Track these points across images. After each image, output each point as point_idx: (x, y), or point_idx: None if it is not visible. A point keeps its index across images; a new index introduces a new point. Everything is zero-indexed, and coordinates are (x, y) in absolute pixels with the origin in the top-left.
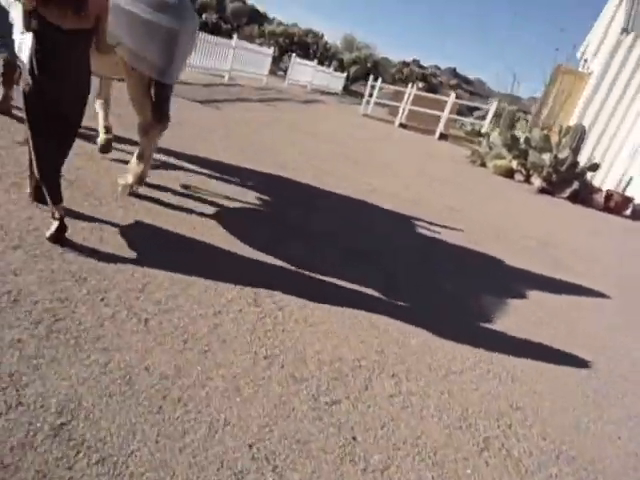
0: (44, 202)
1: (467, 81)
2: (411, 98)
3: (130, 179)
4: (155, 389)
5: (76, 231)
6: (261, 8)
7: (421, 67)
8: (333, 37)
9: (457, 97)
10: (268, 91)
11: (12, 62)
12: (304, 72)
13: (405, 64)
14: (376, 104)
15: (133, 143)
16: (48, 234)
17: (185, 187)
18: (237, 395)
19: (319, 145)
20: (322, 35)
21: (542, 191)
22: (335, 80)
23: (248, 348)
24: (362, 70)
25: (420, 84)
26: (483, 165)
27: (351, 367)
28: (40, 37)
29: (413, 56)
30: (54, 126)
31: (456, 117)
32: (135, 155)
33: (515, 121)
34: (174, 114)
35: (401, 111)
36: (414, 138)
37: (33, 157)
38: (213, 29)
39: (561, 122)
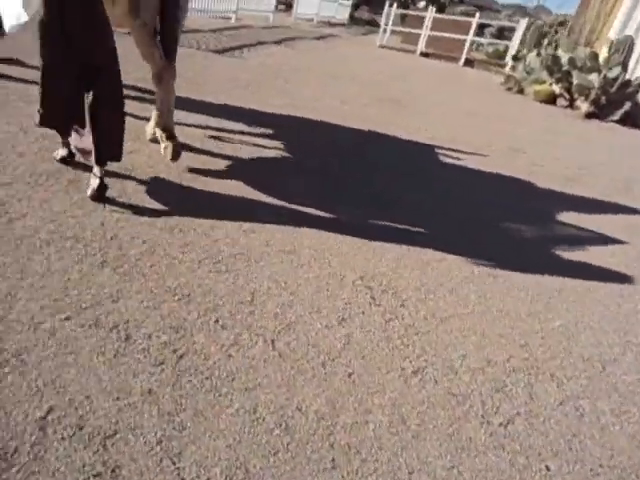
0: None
1: None
2: (429, 23)
3: (163, 145)
4: (317, 435)
5: (158, 235)
6: None
7: None
8: None
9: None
10: (277, 29)
11: None
12: (310, 4)
13: None
14: (392, 32)
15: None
16: (89, 193)
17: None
18: (406, 429)
19: (351, 88)
20: None
21: (589, 116)
22: (341, 9)
23: (391, 363)
24: None
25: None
26: (521, 92)
27: (505, 372)
28: None
29: None
30: (69, 70)
31: (477, 39)
32: (155, 108)
33: (543, 38)
34: (193, 69)
35: (422, 38)
36: (439, 68)
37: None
38: None
39: (604, 36)
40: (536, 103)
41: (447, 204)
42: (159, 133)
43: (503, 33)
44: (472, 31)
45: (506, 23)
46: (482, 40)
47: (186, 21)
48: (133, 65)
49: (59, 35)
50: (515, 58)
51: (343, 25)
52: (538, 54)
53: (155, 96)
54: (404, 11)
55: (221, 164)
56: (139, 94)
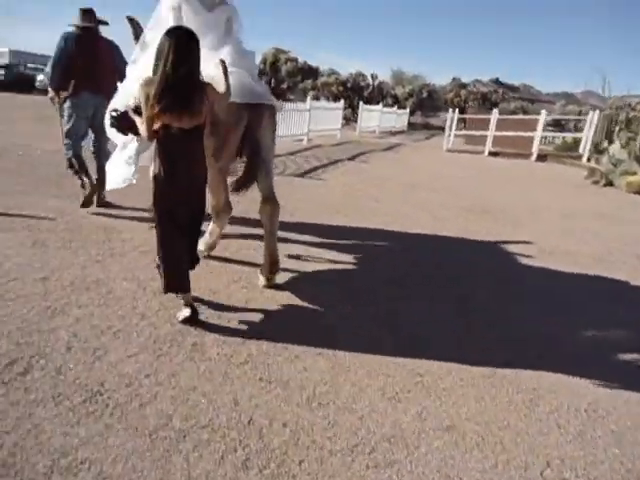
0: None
1: (513, 88)
2: (494, 124)
3: (201, 246)
4: None
5: (297, 413)
6: (314, 63)
7: (463, 85)
8: (382, 74)
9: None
10: (347, 145)
11: (79, 156)
12: (371, 117)
13: (462, 86)
14: (455, 135)
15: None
16: (181, 318)
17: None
18: None
19: (435, 197)
20: (376, 76)
21: None
22: (400, 118)
23: None
24: (418, 101)
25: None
26: (609, 184)
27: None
28: (163, 141)
29: (452, 74)
30: (180, 215)
31: (548, 134)
32: (208, 229)
33: (614, 127)
34: (281, 195)
35: (488, 139)
36: (513, 166)
37: (159, 248)
38: (274, 93)
39: None
40: (630, 195)
41: (599, 340)
42: (264, 269)
43: (560, 123)
44: (540, 127)
45: (573, 117)
46: (548, 134)
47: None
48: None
49: (171, 187)
50: (598, 150)
51: (403, 132)
52: (624, 145)
53: (210, 226)
54: (465, 115)
55: (334, 293)
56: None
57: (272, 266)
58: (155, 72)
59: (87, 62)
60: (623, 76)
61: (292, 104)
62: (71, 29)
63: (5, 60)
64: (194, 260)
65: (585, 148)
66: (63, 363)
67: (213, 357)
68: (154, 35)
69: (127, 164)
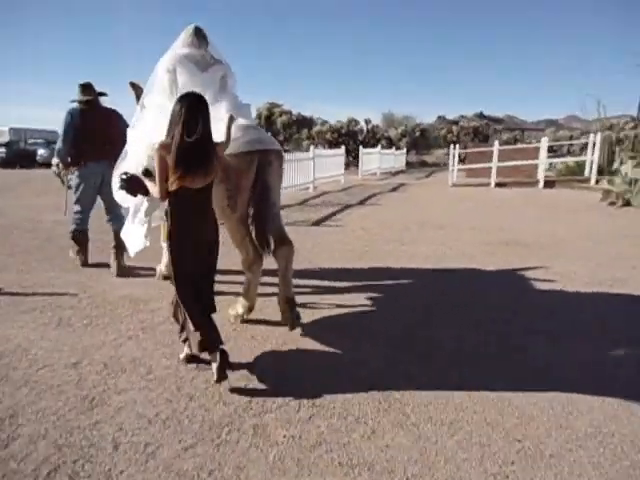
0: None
1: (497, 120)
2: (496, 155)
3: (240, 309)
4: None
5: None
6: (307, 113)
7: (454, 122)
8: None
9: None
10: (353, 189)
11: (84, 232)
12: (371, 160)
13: (453, 122)
14: (459, 170)
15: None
16: (216, 376)
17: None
18: None
19: (455, 234)
20: (369, 121)
21: None
22: (398, 158)
23: None
24: (412, 141)
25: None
26: (627, 204)
27: None
28: (176, 201)
29: (437, 112)
30: (196, 271)
31: (552, 160)
32: (243, 288)
33: (614, 146)
34: (302, 245)
35: (493, 170)
36: (524, 195)
37: (183, 308)
38: None
39: None
40: None
41: None
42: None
43: (553, 149)
44: (544, 154)
45: (576, 141)
46: (552, 160)
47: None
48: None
49: (186, 244)
50: (609, 172)
51: (403, 172)
52: (637, 164)
53: (244, 286)
54: (467, 150)
55: (376, 341)
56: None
57: (288, 304)
58: (169, 136)
59: (91, 133)
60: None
61: (296, 154)
62: (74, 105)
63: (5, 138)
64: (212, 308)
65: (591, 171)
66: (112, 466)
67: (280, 441)
68: (152, 97)
69: (141, 226)
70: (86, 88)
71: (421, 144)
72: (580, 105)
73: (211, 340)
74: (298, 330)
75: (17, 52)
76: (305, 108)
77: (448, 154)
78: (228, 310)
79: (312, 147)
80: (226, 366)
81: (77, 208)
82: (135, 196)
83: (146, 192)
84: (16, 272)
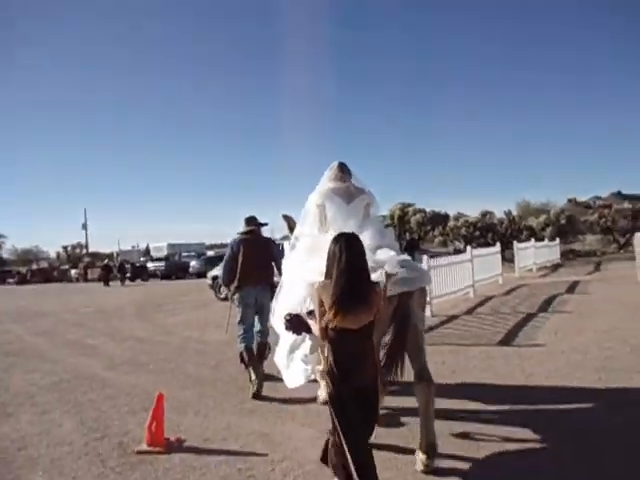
0: None
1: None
2: None
3: None
4: None
5: None
6: (441, 210)
7: (578, 204)
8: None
9: None
10: (519, 291)
11: (250, 349)
12: (527, 255)
13: (605, 206)
14: None
15: None
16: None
17: None
18: None
19: None
20: (510, 212)
21: None
22: (552, 250)
23: None
24: (556, 229)
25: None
26: None
27: None
28: (336, 341)
29: (567, 195)
30: (359, 412)
31: None
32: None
33: None
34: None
35: None
36: None
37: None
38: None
39: None
40: None
41: None
42: (421, 452)
43: None
44: None
45: None
46: None
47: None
48: None
49: (345, 384)
50: None
51: (561, 265)
52: None
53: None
54: None
55: None
56: None
57: (429, 449)
58: (328, 276)
59: (248, 261)
60: None
61: (450, 257)
62: (237, 236)
63: (164, 253)
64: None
65: None
66: None
67: None
68: (304, 229)
69: (303, 362)
70: (249, 220)
71: (568, 231)
72: None
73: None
74: None
75: (180, 178)
76: (436, 204)
77: (611, 241)
78: None
79: (469, 247)
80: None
81: (241, 329)
82: (299, 334)
83: (309, 330)
84: (194, 414)
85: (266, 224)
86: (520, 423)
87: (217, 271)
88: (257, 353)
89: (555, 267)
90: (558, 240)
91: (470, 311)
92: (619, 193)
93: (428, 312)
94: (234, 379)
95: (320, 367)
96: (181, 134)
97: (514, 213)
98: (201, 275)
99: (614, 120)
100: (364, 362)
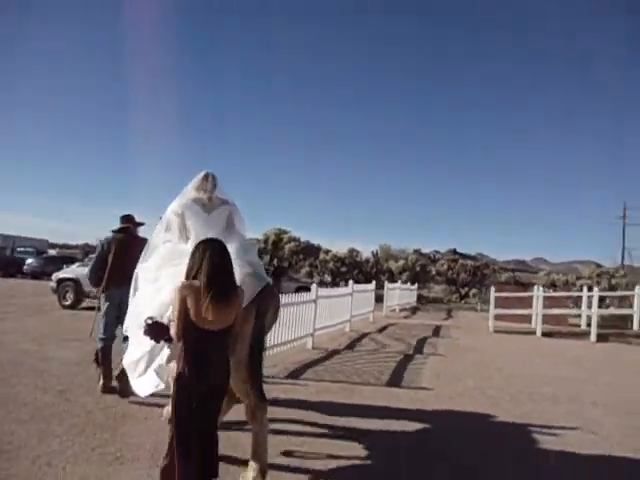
0: None
1: (471, 258)
2: (541, 301)
3: (252, 475)
4: None
5: None
6: (315, 241)
7: (422, 254)
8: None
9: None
10: (390, 330)
11: (107, 351)
12: (394, 296)
13: (453, 260)
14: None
15: None
16: None
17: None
18: None
19: (590, 413)
20: (376, 252)
21: None
22: (412, 294)
23: None
24: (412, 274)
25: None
26: None
27: None
28: (193, 342)
29: (413, 246)
30: (198, 417)
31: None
32: (251, 446)
33: None
34: None
35: (535, 317)
36: (585, 349)
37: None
38: (277, 274)
39: None
40: None
41: None
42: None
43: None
44: (596, 304)
45: (626, 292)
46: (609, 311)
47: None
48: None
49: (195, 388)
50: None
51: (418, 309)
52: None
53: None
54: (504, 294)
55: None
56: None
57: (262, 470)
58: (190, 277)
59: (118, 260)
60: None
61: (334, 290)
62: (110, 234)
63: None
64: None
65: None
66: None
67: None
68: (162, 236)
69: (156, 372)
70: (125, 218)
71: (420, 279)
72: (547, 248)
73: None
74: None
75: (16, 165)
76: (311, 235)
77: (454, 291)
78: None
79: (351, 282)
80: None
81: (101, 328)
82: (158, 342)
83: (169, 339)
84: (31, 462)
85: (143, 224)
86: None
87: (69, 273)
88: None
89: (414, 310)
90: (416, 285)
91: (351, 346)
92: (455, 251)
93: (310, 344)
94: (89, 412)
95: (174, 374)
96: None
97: (378, 254)
98: (38, 276)
99: (453, 187)
100: (218, 364)
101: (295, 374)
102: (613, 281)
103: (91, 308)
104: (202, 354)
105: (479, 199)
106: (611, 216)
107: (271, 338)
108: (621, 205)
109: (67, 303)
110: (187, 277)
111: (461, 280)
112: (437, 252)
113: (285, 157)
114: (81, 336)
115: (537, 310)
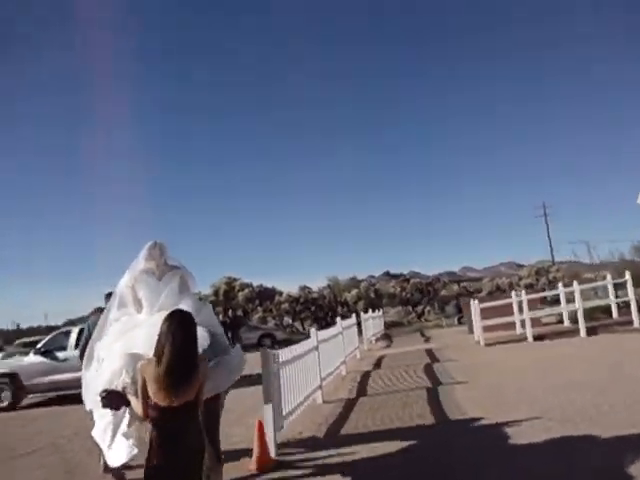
0: None
1: (404, 277)
2: (526, 305)
3: None
4: None
5: None
6: (269, 284)
7: (359, 281)
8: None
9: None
10: (384, 362)
11: None
12: (368, 326)
13: (405, 280)
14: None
15: None
16: None
17: None
18: None
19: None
20: (332, 286)
21: None
22: (380, 321)
23: None
24: (368, 301)
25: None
26: None
27: None
28: (158, 419)
29: (349, 274)
30: None
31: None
32: None
33: None
34: None
35: (527, 322)
36: (581, 345)
37: None
38: (234, 326)
39: None
40: None
41: None
42: None
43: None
44: (579, 299)
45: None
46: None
47: None
48: None
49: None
50: None
51: (390, 335)
52: None
53: None
54: (490, 303)
55: None
56: None
57: None
58: (156, 353)
59: None
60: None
61: (323, 331)
62: (94, 315)
63: None
64: None
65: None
66: None
67: None
68: (115, 312)
69: (125, 437)
70: (109, 297)
71: (376, 304)
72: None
73: None
74: None
75: None
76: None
77: (409, 311)
78: None
79: (313, 330)
80: None
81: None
82: (118, 409)
83: (127, 403)
84: None
85: None
86: None
87: (3, 367)
88: None
89: (387, 337)
90: (382, 311)
91: (362, 391)
92: (387, 273)
93: (320, 399)
94: None
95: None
96: None
97: (328, 288)
98: None
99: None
100: (186, 437)
101: (332, 440)
102: (550, 276)
103: (36, 405)
104: (166, 430)
105: (404, 217)
106: (529, 215)
107: (285, 405)
108: (535, 205)
109: (3, 405)
110: (155, 353)
111: (415, 299)
112: (372, 276)
113: (214, 209)
114: (39, 445)
115: (525, 315)
